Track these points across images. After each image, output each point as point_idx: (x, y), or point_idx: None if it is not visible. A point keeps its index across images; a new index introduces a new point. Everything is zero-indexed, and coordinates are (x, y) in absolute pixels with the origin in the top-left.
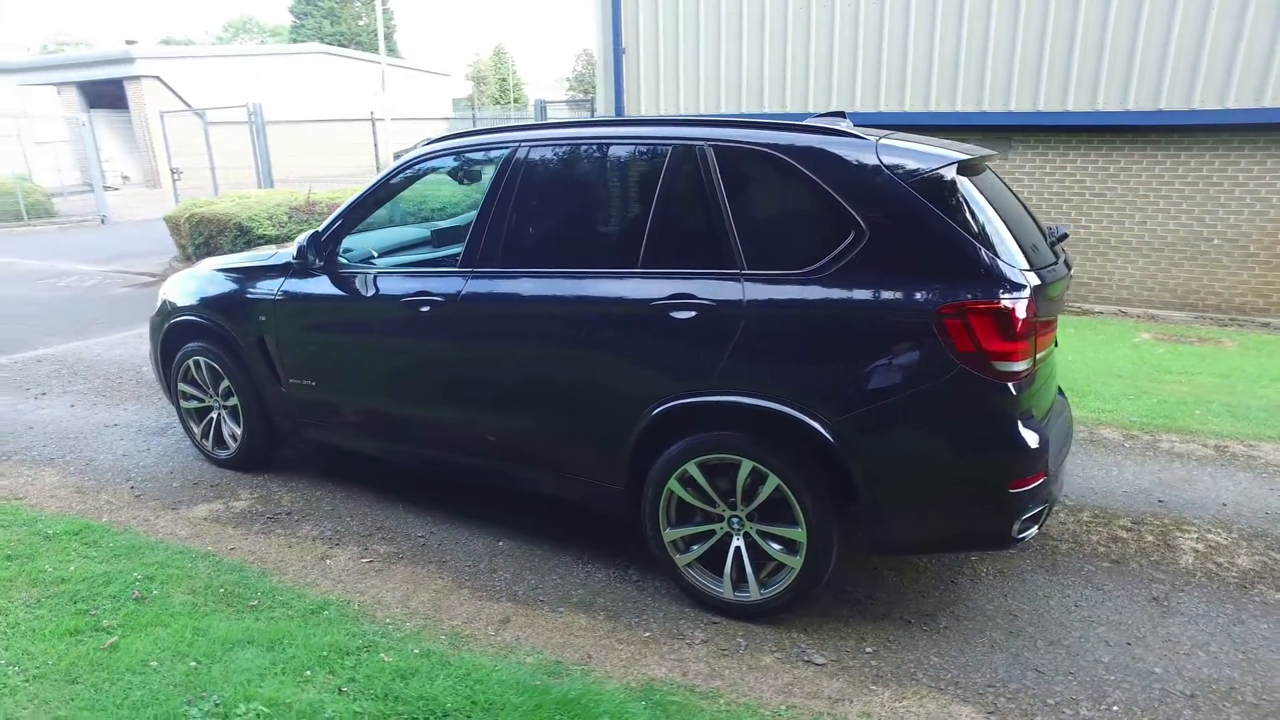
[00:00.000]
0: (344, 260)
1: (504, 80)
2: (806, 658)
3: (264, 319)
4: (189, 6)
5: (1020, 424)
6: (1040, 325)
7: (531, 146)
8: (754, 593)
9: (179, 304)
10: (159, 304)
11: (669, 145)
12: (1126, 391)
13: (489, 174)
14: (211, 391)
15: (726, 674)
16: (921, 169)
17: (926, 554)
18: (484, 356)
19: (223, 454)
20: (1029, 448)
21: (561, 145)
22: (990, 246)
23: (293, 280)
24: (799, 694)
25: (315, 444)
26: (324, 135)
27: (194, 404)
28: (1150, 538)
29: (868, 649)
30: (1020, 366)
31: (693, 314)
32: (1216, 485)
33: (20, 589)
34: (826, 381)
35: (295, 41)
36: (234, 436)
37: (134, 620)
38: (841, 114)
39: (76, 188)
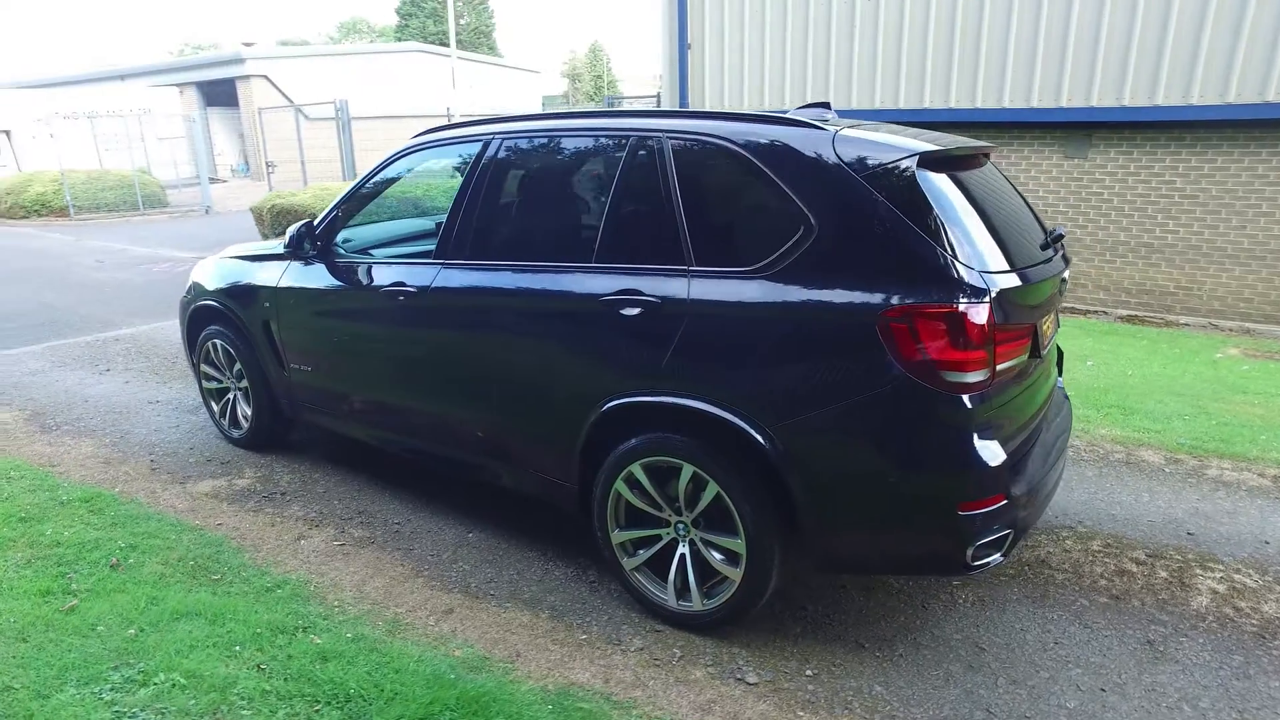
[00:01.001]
0: (340, 250)
1: (599, 77)
2: (740, 675)
3: (268, 305)
4: (307, 9)
5: (975, 440)
6: (1008, 332)
7: (504, 139)
8: (696, 603)
9: (202, 289)
10: (188, 287)
11: (629, 137)
12: (1184, 411)
13: (467, 166)
14: (228, 373)
15: (650, 685)
16: (877, 162)
17: (874, 574)
18: (451, 346)
19: (236, 433)
20: (984, 467)
21: (531, 138)
22: (948, 246)
23: (293, 269)
24: (718, 713)
25: (318, 427)
26: (408, 130)
27: (214, 384)
28: (1164, 574)
29: (809, 671)
30: (974, 378)
31: (639, 310)
32: (1264, 521)
33: (18, 550)
34: (766, 386)
35: (400, 40)
36: (246, 417)
37: (101, 586)
38: (826, 104)
39: (189, 180)
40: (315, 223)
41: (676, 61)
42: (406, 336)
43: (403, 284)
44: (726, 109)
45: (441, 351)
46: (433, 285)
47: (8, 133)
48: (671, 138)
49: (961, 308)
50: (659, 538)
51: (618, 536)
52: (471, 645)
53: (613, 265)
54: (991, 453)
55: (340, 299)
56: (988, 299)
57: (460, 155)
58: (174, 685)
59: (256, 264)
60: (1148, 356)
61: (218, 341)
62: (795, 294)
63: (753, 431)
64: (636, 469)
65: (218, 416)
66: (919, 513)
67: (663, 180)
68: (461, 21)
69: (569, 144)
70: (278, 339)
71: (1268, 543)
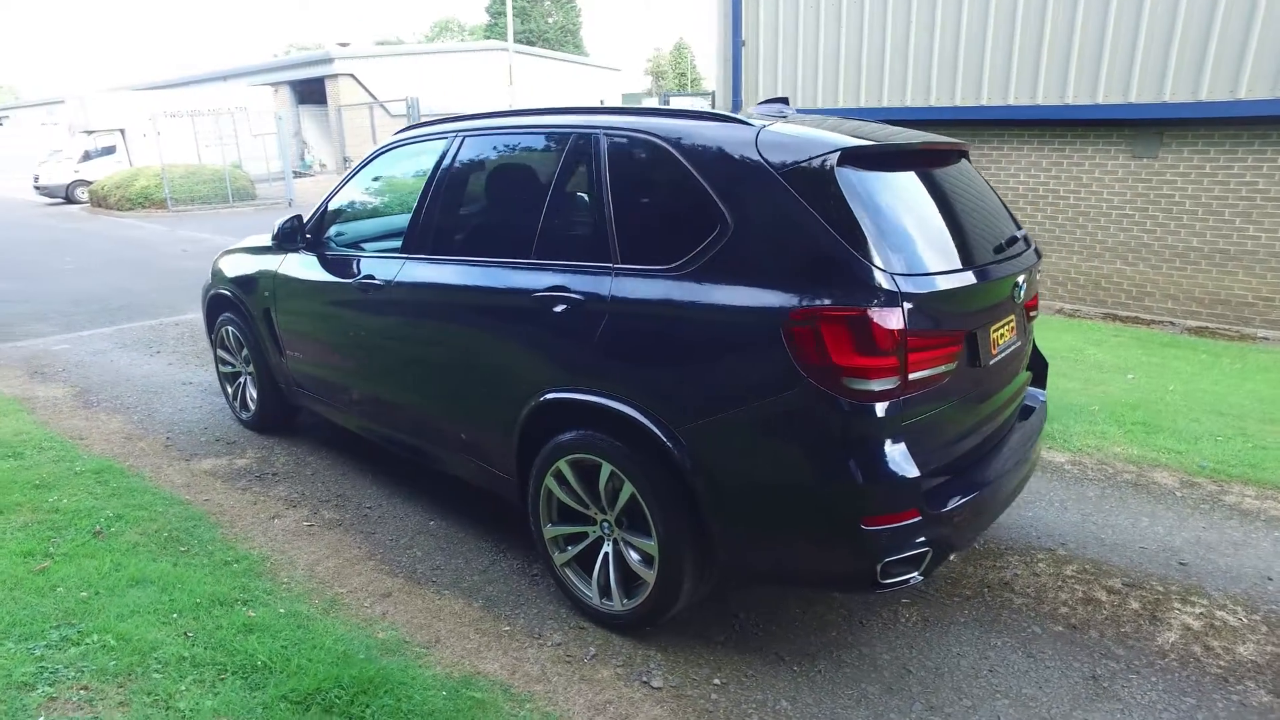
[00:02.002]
0: (331, 244)
1: (682, 75)
2: (646, 678)
3: (268, 294)
4: (403, 10)
5: (883, 452)
6: (928, 339)
7: (465, 136)
8: (617, 602)
9: (220, 277)
10: (210, 275)
11: (570, 134)
12: (1219, 431)
13: (432, 162)
14: (239, 358)
15: (554, 680)
16: (795, 159)
17: (782, 586)
18: (410, 337)
19: (245, 416)
20: (892, 481)
21: (486, 135)
22: (863, 246)
23: (290, 261)
24: (610, 714)
25: (313, 412)
26: None
27: (228, 368)
28: (1136, 605)
29: (717, 680)
30: (880, 386)
31: (565, 308)
32: (1275, 554)
33: (22, 514)
34: (674, 387)
35: (488, 39)
36: (253, 400)
37: (78, 550)
38: (784, 100)
39: (278, 174)
40: (307, 217)
41: (730, 58)
42: (374, 327)
43: (372, 277)
44: None
45: (401, 342)
46: (394, 279)
47: (122, 131)
48: (607, 134)
49: (868, 311)
50: (586, 535)
51: (549, 531)
52: (396, 628)
53: (548, 262)
54: (902, 466)
55: (325, 290)
56: (898, 303)
57: (428, 152)
58: (103, 646)
59: (262, 255)
60: (1202, 372)
61: (229, 328)
62: (706, 294)
63: (659, 432)
64: (564, 465)
65: (230, 399)
66: (822, 525)
67: (596, 177)
68: (550, 20)
69: (519, 141)
70: (276, 327)
71: (1270, 579)
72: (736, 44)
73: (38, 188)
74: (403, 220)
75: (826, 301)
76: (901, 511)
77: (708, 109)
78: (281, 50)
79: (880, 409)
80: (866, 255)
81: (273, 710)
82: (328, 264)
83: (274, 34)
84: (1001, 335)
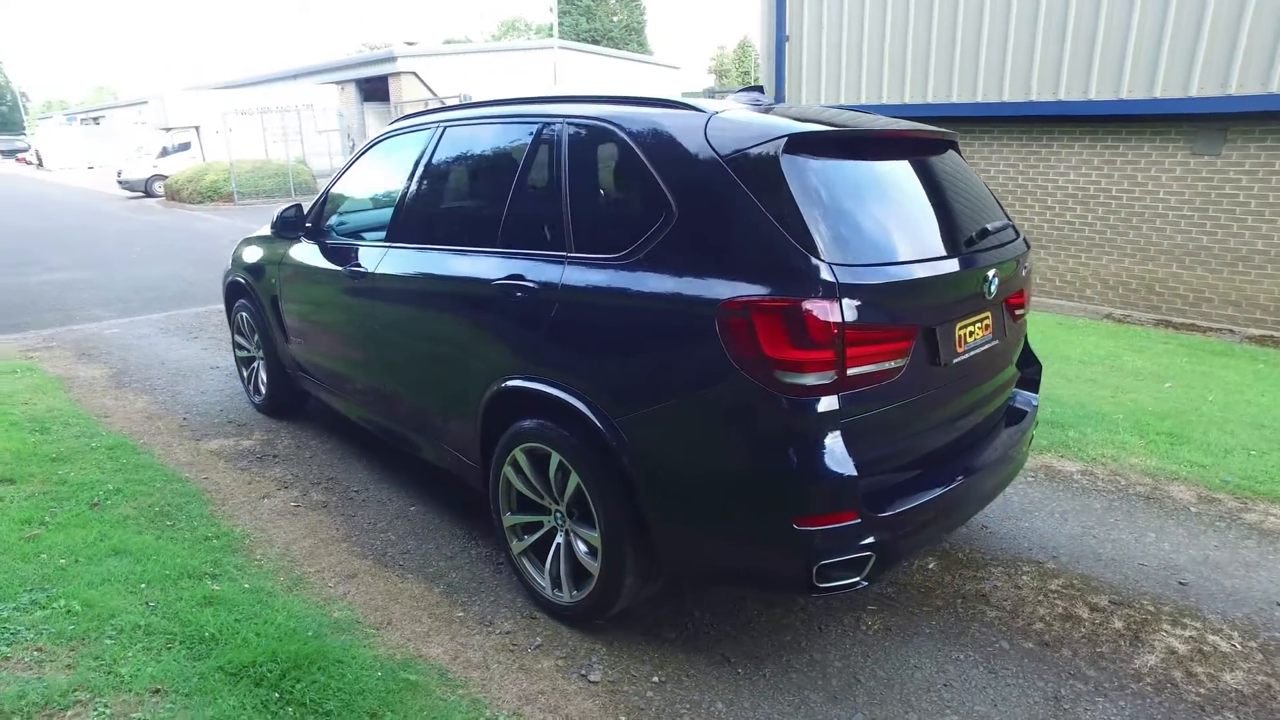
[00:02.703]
0: (331, 233)
1: (746, 73)
2: (585, 672)
3: (274, 281)
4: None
5: (817, 451)
6: (872, 333)
7: (445, 127)
8: (566, 594)
9: (237, 264)
10: (230, 261)
11: (538, 123)
12: (1254, 445)
13: (416, 152)
14: (252, 343)
15: (493, 668)
16: (741, 146)
17: (721, 585)
18: (391, 323)
19: (257, 399)
20: (827, 481)
21: (466, 125)
22: (804, 235)
23: (295, 249)
24: (541, 704)
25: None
26: None
27: (243, 353)
28: (1119, 624)
29: (656, 678)
30: (814, 380)
31: (521, 296)
32: None
33: (33, 484)
34: (614, 376)
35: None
36: (264, 384)
37: (72, 520)
38: (759, 89)
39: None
40: (308, 207)
41: (774, 55)
42: (362, 314)
43: (360, 264)
44: (822, 103)
45: (384, 329)
46: (377, 267)
47: (197, 128)
48: (569, 123)
49: (802, 303)
50: (542, 525)
51: (508, 520)
52: (353, 609)
53: (511, 250)
54: (837, 465)
55: (321, 278)
56: (835, 294)
57: (414, 143)
58: (67, 611)
59: (272, 244)
60: (1252, 382)
61: (244, 314)
62: (648, 283)
63: (598, 422)
64: (519, 454)
65: (245, 383)
66: (754, 524)
67: (556, 166)
68: (615, 19)
69: (492, 131)
70: (282, 313)
71: (1279, 604)
72: (780, 39)
73: (120, 182)
74: (391, 209)
75: (761, 292)
76: (837, 513)
77: (668, 96)
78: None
79: (815, 405)
80: (806, 245)
81: (206, 680)
82: (326, 252)
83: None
84: (971, 332)
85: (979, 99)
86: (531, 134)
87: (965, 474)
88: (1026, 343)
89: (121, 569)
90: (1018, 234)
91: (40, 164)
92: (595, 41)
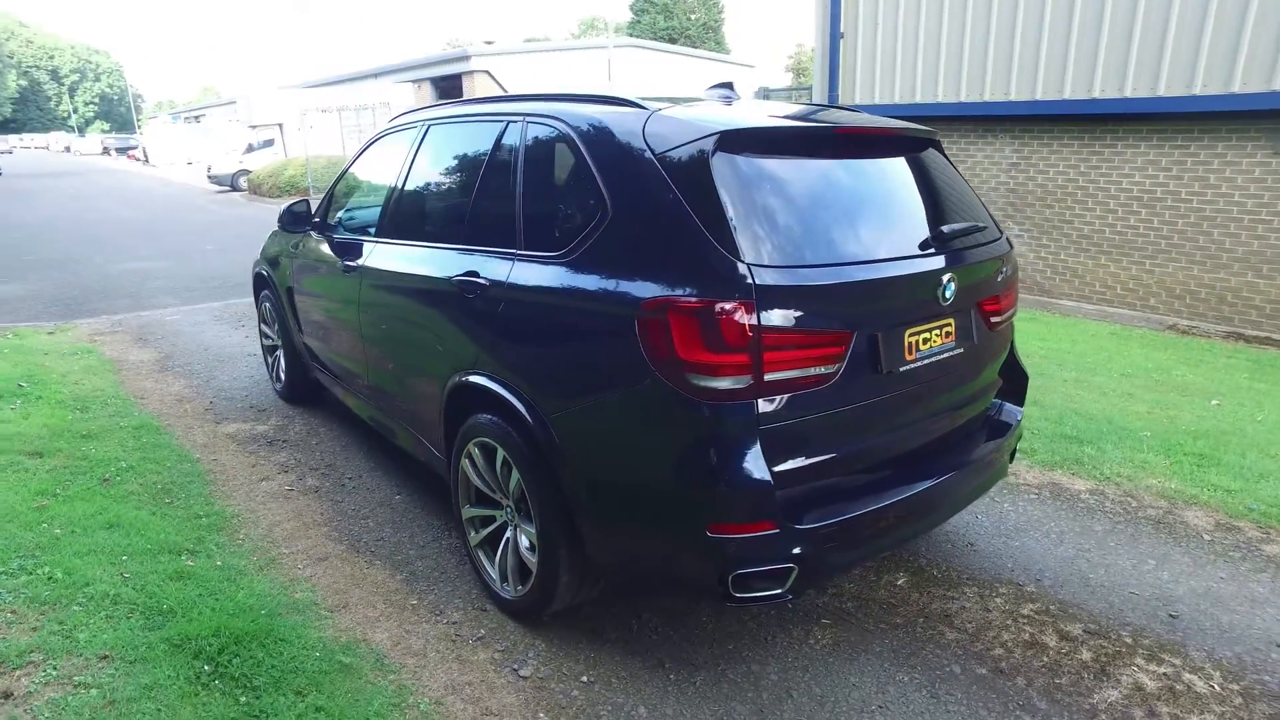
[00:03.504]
0: (337, 228)
1: None
2: (517, 667)
3: (288, 274)
4: (552, 9)
5: (731, 456)
6: (795, 337)
7: (430, 125)
8: (512, 589)
9: (261, 256)
10: (259, 253)
11: (502, 121)
12: None
13: (404, 149)
14: (274, 332)
15: (430, 656)
16: (674, 143)
17: (647, 589)
18: (375, 316)
19: (278, 386)
20: (740, 487)
21: (447, 124)
22: (726, 235)
23: (305, 243)
24: (465, 695)
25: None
26: None
27: (268, 341)
28: (1087, 655)
29: (585, 678)
30: (728, 384)
31: (475, 294)
32: None
33: (59, 459)
34: (547, 374)
35: (631, 35)
36: (283, 372)
37: (80, 494)
38: (729, 85)
39: None
40: (316, 203)
41: (827, 51)
42: (353, 305)
43: (352, 259)
44: (876, 102)
45: (370, 320)
46: (366, 261)
47: (280, 126)
48: (528, 120)
49: (715, 304)
50: (495, 519)
51: (466, 512)
52: (314, 591)
53: (471, 246)
54: (752, 474)
55: (322, 272)
56: (750, 296)
57: (404, 140)
58: (48, 578)
59: (290, 237)
60: None
61: (266, 304)
62: (581, 281)
63: (529, 418)
64: (473, 447)
65: (269, 370)
66: (671, 528)
67: (513, 164)
68: (693, 17)
69: (467, 130)
70: (295, 304)
71: (1279, 646)
72: (834, 36)
73: (210, 177)
74: (381, 205)
75: (678, 293)
76: (752, 522)
77: (617, 93)
78: (439, 49)
79: (730, 409)
80: (726, 245)
81: (152, 649)
82: (328, 246)
83: (435, 34)
84: (926, 339)
85: (1038, 96)
86: (495, 133)
87: (915, 487)
88: (1013, 351)
89: (109, 541)
90: (998, 236)
91: (146, 160)
92: (672, 40)
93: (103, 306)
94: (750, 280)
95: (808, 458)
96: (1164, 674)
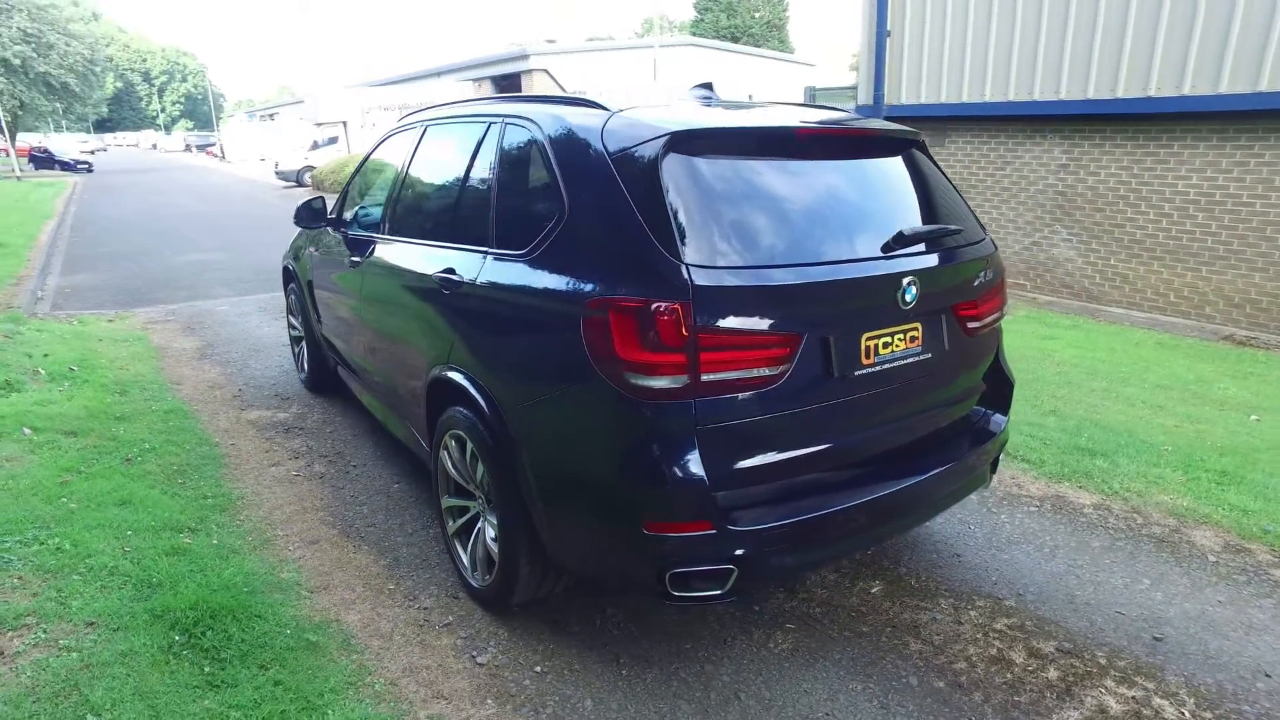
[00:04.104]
0: (351, 224)
1: None
2: (475, 654)
3: (308, 267)
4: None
5: (667, 456)
6: (735, 338)
7: (428, 125)
8: (480, 578)
9: (290, 250)
10: (289, 247)
11: (485, 122)
12: None
13: (406, 148)
14: (299, 323)
15: (395, 639)
16: (626, 144)
17: (595, 584)
18: (376, 310)
19: (302, 376)
20: (675, 486)
21: (442, 124)
22: (666, 236)
23: (322, 238)
24: (420, 679)
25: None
26: None
27: (295, 332)
28: (1053, 674)
29: (539, 668)
30: (664, 384)
31: (450, 290)
32: None
33: (90, 439)
34: (506, 368)
35: (695, 34)
36: (307, 361)
37: (101, 472)
38: (709, 85)
39: None
40: (332, 201)
41: (873, 50)
42: (357, 299)
43: (356, 254)
44: (922, 101)
45: (370, 314)
46: (368, 257)
47: (344, 123)
48: (506, 122)
49: (652, 304)
50: (469, 509)
51: (445, 502)
52: (299, 572)
53: (453, 245)
54: (688, 474)
55: (334, 266)
56: (688, 296)
57: (407, 140)
58: (56, 549)
59: (312, 233)
60: None
61: (292, 296)
62: (537, 279)
63: (489, 412)
64: (449, 439)
65: (296, 360)
66: (611, 523)
67: (491, 164)
68: (757, 15)
69: (455, 130)
70: (315, 296)
71: (1269, 676)
72: (881, 34)
73: (277, 173)
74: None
75: (618, 292)
76: (688, 521)
77: (585, 95)
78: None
79: (666, 409)
80: (668, 245)
81: (135, 619)
82: (342, 242)
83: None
84: (886, 344)
85: (1091, 95)
86: (479, 134)
87: (872, 492)
88: (999, 357)
89: (119, 517)
90: (977, 240)
91: (223, 156)
92: (735, 39)
93: (161, 296)
94: (688, 281)
95: (751, 459)
96: (1133, 697)
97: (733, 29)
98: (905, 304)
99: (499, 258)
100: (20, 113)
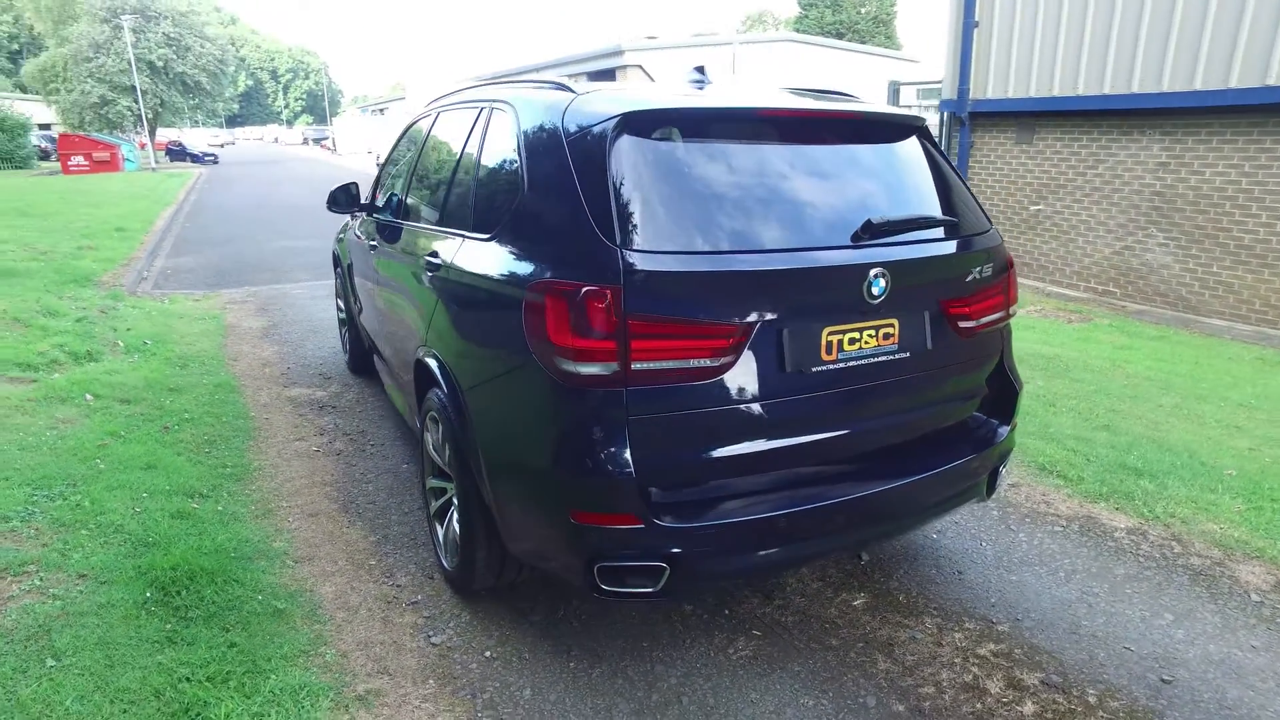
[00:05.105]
0: (381, 210)
1: None
2: (431, 635)
3: (347, 251)
4: (721, 2)
5: (592, 444)
6: (670, 327)
7: (440, 112)
8: (450, 560)
9: (337, 236)
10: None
11: (478, 107)
12: None
13: (421, 135)
14: (343, 305)
15: (360, 613)
16: (582, 126)
17: (541, 572)
18: (384, 293)
19: (345, 357)
20: (599, 476)
21: (449, 110)
22: (605, 220)
23: (357, 223)
24: (372, 654)
25: None
26: None
27: (341, 314)
28: (1029, 708)
29: (489, 653)
30: (592, 370)
31: (433, 273)
32: None
33: (141, 407)
34: (463, 350)
35: (797, 30)
36: (349, 343)
37: (138, 437)
38: (701, 68)
39: None
40: (365, 188)
41: (959, 41)
42: (375, 281)
43: (373, 239)
44: (1009, 95)
45: (381, 298)
46: (382, 241)
47: None
48: (492, 106)
49: (582, 288)
50: (445, 490)
51: (429, 483)
52: (291, 542)
53: (442, 228)
54: (613, 465)
55: (359, 251)
56: (618, 281)
57: (423, 127)
58: (75, 505)
59: (354, 219)
60: None
61: (336, 281)
62: (494, 262)
63: (448, 392)
64: (429, 420)
65: (341, 341)
66: (545, 511)
67: (476, 147)
68: (862, 10)
69: (454, 116)
70: (352, 279)
71: None
72: (968, 25)
73: (378, 165)
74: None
75: (554, 275)
76: (613, 513)
77: (559, 80)
78: (602, 43)
79: (595, 397)
80: (605, 228)
81: (121, 572)
82: (369, 227)
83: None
84: (853, 340)
85: (1198, 86)
86: (471, 119)
87: (831, 498)
88: (1004, 360)
89: (140, 480)
90: (975, 233)
91: (335, 149)
92: (839, 35)
93: (248, 278)
94: (620, 265)
95: (690, 454)
96: None
97: (836, 25)
98: (873, 298)
99: (473, 239)
100: (160, 110)
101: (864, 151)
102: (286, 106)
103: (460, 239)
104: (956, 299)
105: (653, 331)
